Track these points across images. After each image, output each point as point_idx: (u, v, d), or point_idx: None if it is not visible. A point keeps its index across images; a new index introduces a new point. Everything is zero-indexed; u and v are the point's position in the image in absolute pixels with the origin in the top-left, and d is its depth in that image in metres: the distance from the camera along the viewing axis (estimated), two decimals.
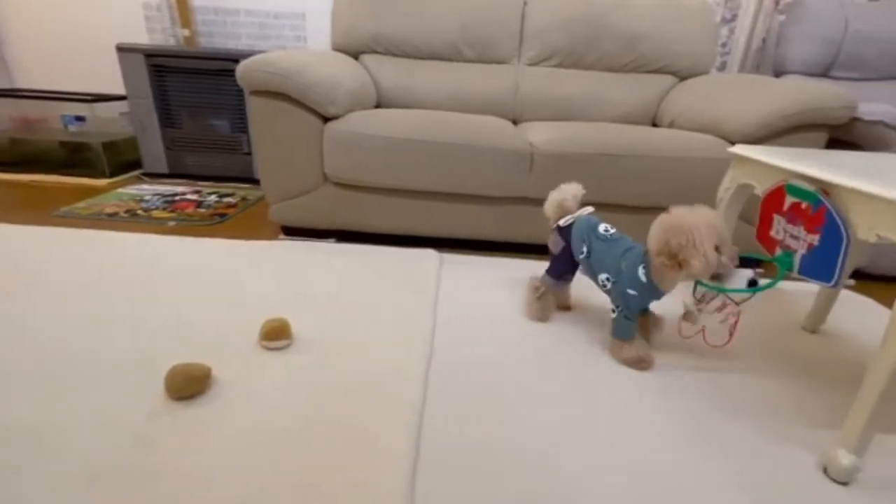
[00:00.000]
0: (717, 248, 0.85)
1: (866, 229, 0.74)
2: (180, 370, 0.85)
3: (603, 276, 1.02)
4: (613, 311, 1.01)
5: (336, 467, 0.72)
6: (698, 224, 0.84)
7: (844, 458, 0.75)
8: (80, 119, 2.23)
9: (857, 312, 1.34)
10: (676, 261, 0.85)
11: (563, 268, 1.13)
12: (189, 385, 0.84)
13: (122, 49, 2.11)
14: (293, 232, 1.67)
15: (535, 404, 0.89)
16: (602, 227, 1.04)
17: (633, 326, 1.00)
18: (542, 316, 1.16)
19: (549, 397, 0.91)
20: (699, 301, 0.91)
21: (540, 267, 1.20)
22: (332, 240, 1.64)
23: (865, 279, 1.55)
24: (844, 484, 0.75)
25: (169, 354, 0.93)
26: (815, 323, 1.23)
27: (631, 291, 0.96)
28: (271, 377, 0.91)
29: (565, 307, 1.24)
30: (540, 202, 1.53)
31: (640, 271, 0.94)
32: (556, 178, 1.47)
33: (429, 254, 1.52)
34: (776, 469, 0.78)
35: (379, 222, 1.59)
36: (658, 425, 0.86)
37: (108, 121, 2.27)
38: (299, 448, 0.76)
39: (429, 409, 0.86)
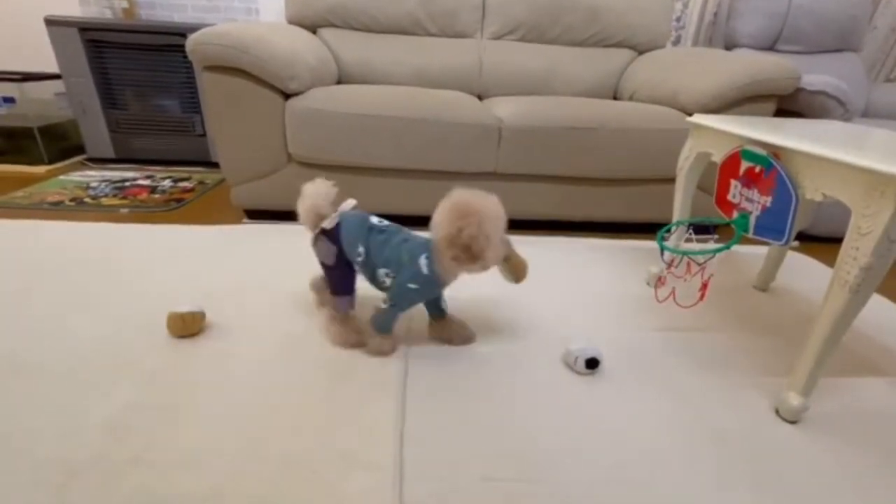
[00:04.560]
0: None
1: (813, 189, 0.80)
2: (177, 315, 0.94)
3: (383, 272, 0.90)
4: (385, 302, 0.91)
5: (321, 438, 0.73)
6: (486, 211, 0.78)
7: (794, 400, 0.82)
8: (9, 101, 2.04)
9: (802, 271, 1.45)
10: (470, 253, 0.78)
11: (347, 277, 0.95)
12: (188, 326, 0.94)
13: (51, 22, 1.93)
14: (257, 215, 1.61)
15: (512, 371, 0.92)
16: (375, 219, 0.92)
17: (396, 320, 0.93)
18: (356, 340, 0.95)
19: (525, 366, 0.94)
20: (668, 265, 0.95)
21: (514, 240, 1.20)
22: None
23: (808, 240, 1.68)
24: (794, 422, 0.83)
25: (138, 345, 0.89)
26: (765, 282, 1.32)
27: (411, 285, 0.87)
28: (248, 357, 0.90)
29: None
30: (509, 177, 1.56)
31: (423, 262, 0.85)
32: (525, 153, 1.50)
33: None
34: (734, 412, 0.85)
35: None
36: (624, 382, 0.91)
37: (43, 102, 2.09)
38: (281, 422, 0.76)
39: (409, 382, 0.87)
